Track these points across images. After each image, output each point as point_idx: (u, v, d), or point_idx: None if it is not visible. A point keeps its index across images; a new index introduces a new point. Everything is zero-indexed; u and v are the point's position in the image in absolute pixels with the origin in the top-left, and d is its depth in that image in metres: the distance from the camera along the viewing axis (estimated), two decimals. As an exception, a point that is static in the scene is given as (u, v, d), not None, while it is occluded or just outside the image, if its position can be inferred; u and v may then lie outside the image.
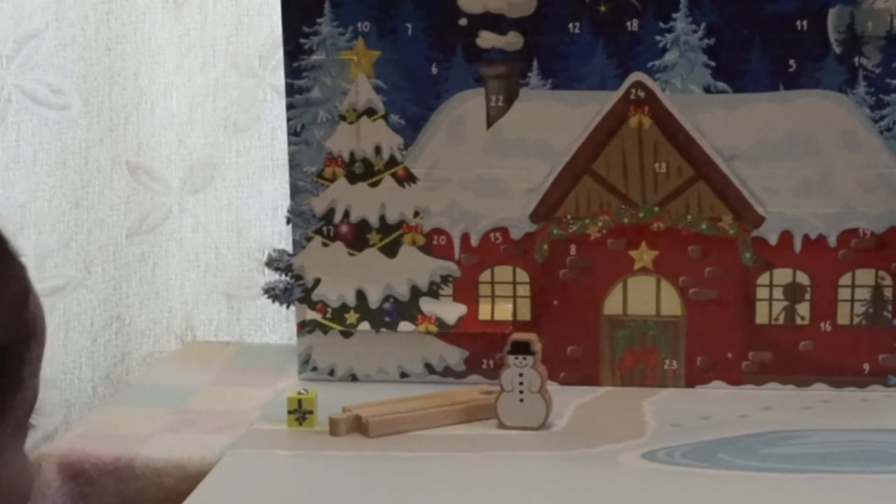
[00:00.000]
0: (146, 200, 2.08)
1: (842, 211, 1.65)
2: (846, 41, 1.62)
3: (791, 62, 1.63)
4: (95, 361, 2.09)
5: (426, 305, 1.72)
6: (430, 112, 1.68)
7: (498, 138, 1.68)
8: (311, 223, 1.72)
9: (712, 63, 1.64)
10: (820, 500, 1.38)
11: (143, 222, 2.09)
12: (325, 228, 1.72)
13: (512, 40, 1.66)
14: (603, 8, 1.64)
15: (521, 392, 1.56)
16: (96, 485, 1.51)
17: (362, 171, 1.70)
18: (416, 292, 1.72)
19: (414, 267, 1.72)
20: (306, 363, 1.75)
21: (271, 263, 1.78)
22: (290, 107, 1.70)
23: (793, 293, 1.68)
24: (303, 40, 1.68)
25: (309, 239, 1.73)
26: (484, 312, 1.71)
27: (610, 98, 1.66)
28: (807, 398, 1.67)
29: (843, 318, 1.68)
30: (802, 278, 1.68)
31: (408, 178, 1.70)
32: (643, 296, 1.69)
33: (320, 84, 1.69)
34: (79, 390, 2.08)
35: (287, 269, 1.75)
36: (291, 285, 1.74)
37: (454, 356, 1.73)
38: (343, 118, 1.70)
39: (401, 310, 1.73)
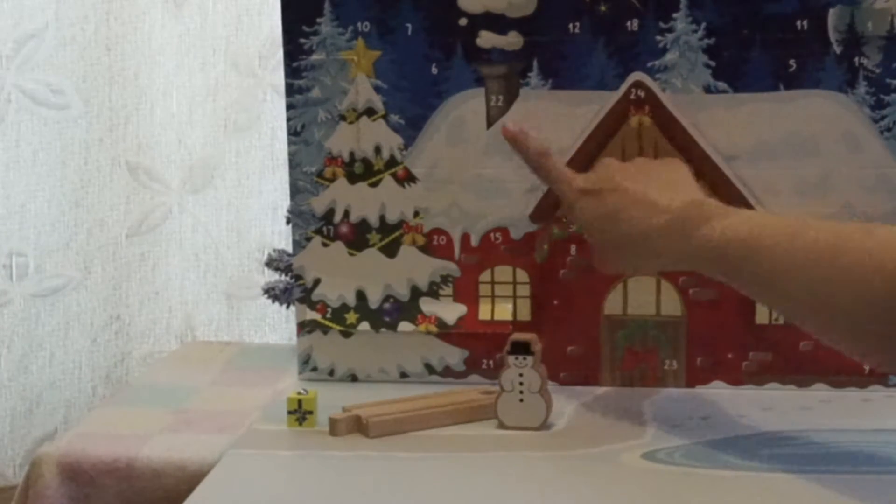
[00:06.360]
0: (146, 200, 2.09)
1: (842, 211, 1.65)
2: (846, 41, 1.62)
3: (791, 62, 1.63)
4: (95, 361, 2.10)
5: (426, 305, 1.72)
6: (430, 112, 1.68)
7: (498, 138, 1.67)
8: (311, 223, 1.72)
9: (712, 63, 1.64)
10: (820, 500, 1.38)
11: (143, 222, 2.09)
12: (325, 228, 1.72)
13: (512, 40, 1.66)
14: (603, 8, 1.64)
15: (521, 392, 1.55)
16: (96, 485, 1.51)
17: (362, 171, 1.70)
18: (416, 292, 1.72)
19: (414, 267, 1.72)
20: (306, 363, 1.75)
21: (271, 263, 1.78)
22: (290, 107, 1.70)
23: (793, 293, 1.68)
24: (303, 40, 1.68)
25: (309, 239, 1.73)
26: (484, 312, 1.71)
27: (610, 98, 1.66)
28: (807, 398, 1.67)
29: (843, 318, 1.67)
30: (802, 278, 1.67)
31: (408, 178, 1.70)
32: (643, 296, 1.69)
33: (320, 84, 1.69)
34: (79, 390, 2.09)
35: (287, 269, 1.75)
36: (291, 285, 1.74)
37: (454, 356, 1.73)
38: (343, 118, 1.70)
39: (401, 310, 1.72)
